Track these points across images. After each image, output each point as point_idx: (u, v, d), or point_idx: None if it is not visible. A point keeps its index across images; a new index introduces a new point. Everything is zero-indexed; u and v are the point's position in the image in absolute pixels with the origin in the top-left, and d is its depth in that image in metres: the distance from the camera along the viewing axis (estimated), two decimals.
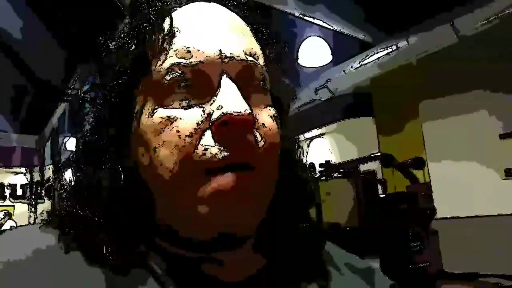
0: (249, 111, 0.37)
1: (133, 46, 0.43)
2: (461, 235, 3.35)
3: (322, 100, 4.46)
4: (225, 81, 0.39)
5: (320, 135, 6.13)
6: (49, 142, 8.84)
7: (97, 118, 0.45)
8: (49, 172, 8.94)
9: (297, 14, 3.40)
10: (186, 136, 0.38)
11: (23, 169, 9.80)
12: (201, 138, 0.38)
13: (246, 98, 0.39)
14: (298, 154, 0.51)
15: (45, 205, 8.95)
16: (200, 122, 0.38)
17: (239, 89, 0.39)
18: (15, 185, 9.79)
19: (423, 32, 3.47)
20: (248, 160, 0.38)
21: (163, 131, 0.38)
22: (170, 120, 0.38)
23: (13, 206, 9.64)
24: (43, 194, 9.13)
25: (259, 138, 0.39)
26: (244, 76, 0.40)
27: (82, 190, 0.43)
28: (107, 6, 2.99)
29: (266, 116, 0.41)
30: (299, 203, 0.49)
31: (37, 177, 9.51)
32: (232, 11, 0.45)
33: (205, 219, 0.38)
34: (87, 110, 0.46)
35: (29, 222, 8.85)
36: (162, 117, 0.39)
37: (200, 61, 0.39)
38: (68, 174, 0.46)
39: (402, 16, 3.49)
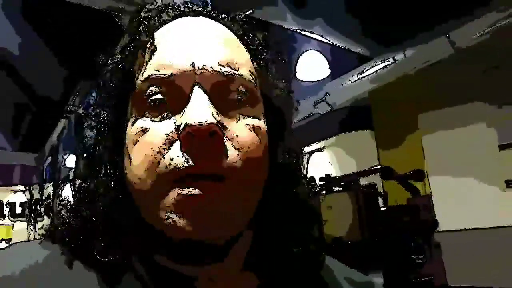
0: (212, 121, 0.37)
1: (122, 63, 0.45)
2: (464, 248, 3.32)
3: (321, 114, 4.47)
4: (195, 92, 0.40)
5: (319, 149, 6.13)
6: (49, 159, 8.84)
7: (96, 131, 0.47)
8: (48, 190, 8.91)
9: (295, 29, 3.44)
10: (155, 147, 0.39)
11: (22, 187, 9.77)
12: (169, 149, 0.39)
13: (221, 109, 0.40)
14: (300, 169, 0.50)
15: (44, 223, 8.89)
16: (169, 134, 0.39)
17: (213, 100, 0.40)
18: (14, 203, 9.75)
19: (419, 44, 3.50)
20: (214, 170, 0.38)
21: (138, 142, 0.40)
22: (144, 131, 0.40)
23: (12, 224, 9.59)
24: (43, 212, 9.09)
25: (231, 149, 0.39)
26: (220, 87, 0.41)
27: (81, 201, 0.44)
28: (107, 24, 3.02)
29: (241, 126, 0.41)
30: (300, 220, 0.48)
31: (36, 195, 9.48)
32: (221, 23, 0.46)
33: (171, 228, 0.39)
34: (87, 124, 0.48)
35: (28, 240, 8.78)
36: (137, 128, 0.41)
37: (173, 73, 0.40)
38: (67, 190, 0.47)
39: (398, 29, 3.53)
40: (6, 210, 9.65)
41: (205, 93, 0.40)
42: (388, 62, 3.70)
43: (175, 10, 0.47)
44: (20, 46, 5.61)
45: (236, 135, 0.40)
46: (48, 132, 8.36)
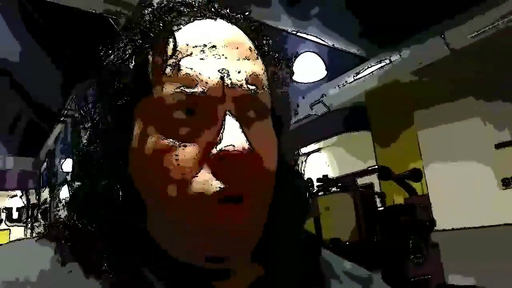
0: (248, 147, 0.37)
1: (134, 63, 0.42)
2: (461, 246, 3.33)
3: (318, 115, 4.48)
4: (228, 116, 0.39)
5: (317, 150, 6.14)
6: (45, 164, 8.81)
7: (96, 131, 0.45)
8: (45, 194, 8.87)
9: (290, 30, 3.44)
10: (184, 166, 0.38)
11: (19, 192, 9.72)
12: (199, 170, 0.38)
13: (246, 125, 0.40)
14: (297, 167, 0.51)
15: (41, 228, 8.81)
16: (199, 153, 0.38)
17: (239, 117, 0.39)
18: (11, 208, 9.71)
19: (415, 44, 3.52)
20: (243, 193, 0.39)
21: (163, 158, 0.39)
22: (170, 148, 0.39)
23: (9, 229, 9.54)
24: (40, 216, 9.04)
25: (259, 170, 0.40)
26: (245, 103, 0.41)
27: (79, 202, 0.44)
28: (103, 28, 3.02)
29: (264, 144, 0.41)
30: (296, 213, 0.49)
31: (33, 199, 9.43)
32: (238, 27, 0.45)
33: (196, 250, 0.39)
34: (85, 123, 0.46)
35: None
36: (162, 144, 0.39)
37: (202, 89, 0.39)
38: (64, 192, 0.47)
39: (394, 30, 3.54)
40: (3, 215, 9.60)
41: (234, 113, 0.39)
42: (384, 63, 3.72)
43: (194, 9, 0.44)
44: (16, 51, 5.59)
45: (260, 153, 0.40)
46: (44, 137, 8.33)
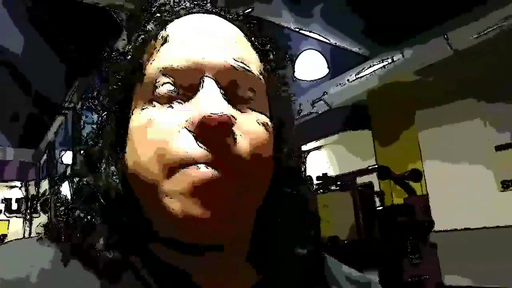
0: (227, 112, 0.37)
1: (131, 53, 0.44)
2: (459, 248, 3.34)
3: (319, 113, 4.48)
4: (206, 83, 0.40)
5: (318, 148, 6.14)
6: (45, 155, 8.82)
7: (97, 124, 0.46)
8: (44, 186, 8.89)
9: (293, 27, 3.44)
10: (165, 135, 0.39)
11: (18, 183, 9.74)
12: (179, 138, 0.38)
13: (233, 103, 0.40)
14: (302, 171, 0.50)
15: (40, 220, 8.86)
16: (179, 123, 0.39)
17: (225, 93, 0.40)
18: (10, 199, 9.73)
19: (417, 45, 3.51)
20: (223, 159, 0.38)
21: (145, 132, 0.40)
22: (152, 121, 0.40)
23: (8, 220, 9.57)
24: (39, 208, 9.06)
25: (243, 143, 0.40)
26: (232, 81, 0.41)
27: (80, 197, 0.44)
28: (104, 21, 3.02)
29: (253, 121, 0.41)
30: (301, 222, 0.48)
31: (32, 191, 9.46)
32: (232, 23, 0.46)
33: (177, 215, 0.38)
34: (87, 118, 0.47)
35: (24, 237, 8.74)
36: (145, 119, 0.40)
37: (185, 66, 0.40)
38: (65, 188, 0.47)
39: (397, 29, 3.54)
40: (1, 206, 9.63)
41: (218, 86, 0.40)
42: (387, 62, 3.71)
43: (187, 6, 0.47)
44: (19, 43, 5.59)
45: (246, 127, 0.40)
46: (45, 129, 8.34)
